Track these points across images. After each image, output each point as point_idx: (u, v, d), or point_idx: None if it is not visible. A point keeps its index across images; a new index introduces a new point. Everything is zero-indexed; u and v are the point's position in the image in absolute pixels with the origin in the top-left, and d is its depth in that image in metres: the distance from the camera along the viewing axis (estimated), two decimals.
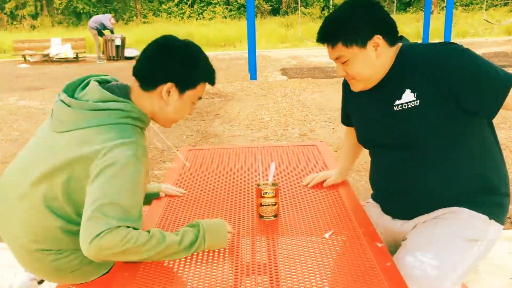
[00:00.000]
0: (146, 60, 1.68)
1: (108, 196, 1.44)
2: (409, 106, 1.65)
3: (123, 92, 1.69)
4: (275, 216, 1.82)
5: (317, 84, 9.70)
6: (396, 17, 17.58)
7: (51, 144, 1.61)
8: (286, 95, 8.75)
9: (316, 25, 21.59)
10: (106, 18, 15.19)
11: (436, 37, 16.59)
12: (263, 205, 1.80)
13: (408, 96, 1.66)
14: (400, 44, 1.75)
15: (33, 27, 27.42)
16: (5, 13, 29.26)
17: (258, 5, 27.59)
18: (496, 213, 1.73)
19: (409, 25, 20.46)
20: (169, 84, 1.66)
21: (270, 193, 1.79)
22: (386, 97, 1.73)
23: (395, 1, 16.17)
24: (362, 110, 1.88)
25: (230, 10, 29.32)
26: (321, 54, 15.19)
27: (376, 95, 1.77)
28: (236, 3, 29.57)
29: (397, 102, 1.68)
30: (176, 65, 1.65)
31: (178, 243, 1.54)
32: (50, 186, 1.58)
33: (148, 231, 1.51)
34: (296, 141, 5.90)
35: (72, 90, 1.68)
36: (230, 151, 2.77)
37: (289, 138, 6.06)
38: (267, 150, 2.74)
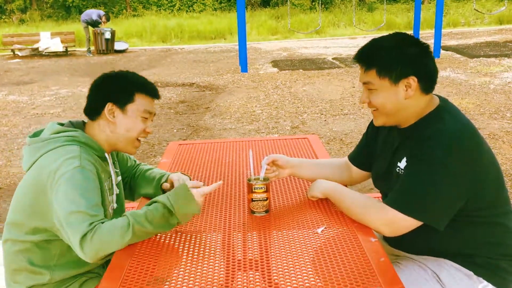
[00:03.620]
0: (88, 97, 1.84)
1: (67, 208, 1.57)
2: (400, 173, 1.67)
3: (76, 125, 1.84)
4: (267, 211, 1.80)
5: (308, 76, 9.69)
6: (387, 7, 17.58)
7: (22, 183, 1.76)
8: (277, 87, 8.73)
9: (306, 16, 21.58)
10: (96, 15, 15.04)
11: (427, 28, 16.60)
12: (254, 200, 1.78)
13: (403, 163, 1.67)
14: (437, 103, 1.70)
15: (22, 21, 27.13)
16: None
17: None
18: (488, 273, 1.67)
19: (399, 15, 20.46)
20: (108, 105, 1.77)
21: (261, 188, 1.77)
22: (395, 153, 1.74)
23: None
24: (380, 152, 1.87)
25: (220, 2, 29.17)
26: (311, 46, 15.19)
27: (390, 146, 1.77)
28: None
29: (398, 164, 1.70)
30: (108, 86, 1.81)
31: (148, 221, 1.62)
32: (17, 227, 1.75)
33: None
34: (288, 133, 5.91)
35: (35, 134, 1.81)
36: (221, 145, 2.75)
37: (281, 130, 6.06)
38: (258, 144, 2.72)
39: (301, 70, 10.51)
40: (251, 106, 7.44)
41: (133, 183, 2.11)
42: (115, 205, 1.87)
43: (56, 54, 15.65)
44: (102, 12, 15.39)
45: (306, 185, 2.08)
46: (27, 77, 11.24)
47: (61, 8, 29.05)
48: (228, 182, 2.15)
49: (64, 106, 8.04)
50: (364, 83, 1.71)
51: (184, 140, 5.96)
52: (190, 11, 28.19)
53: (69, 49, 15.89)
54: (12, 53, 15.73)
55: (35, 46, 15.65)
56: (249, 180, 1.80)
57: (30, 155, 1.73)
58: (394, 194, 1.62)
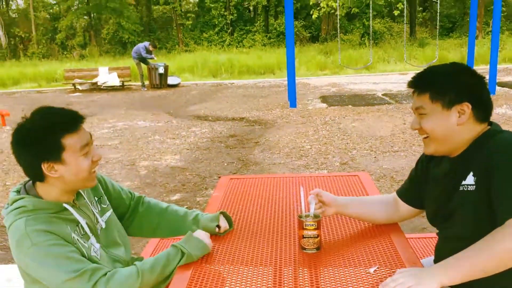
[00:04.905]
0: (18, 162, 1.68)
1: (57, 280, 1.55)
2: (468, 189, 1.61)
3: (29, 188, 1.71)
4: (318, 248, 1.79)
5: (358, 112, 9.63)
6: (439, 42, 17.37)
7: None
8: (326, 123, 8.72)
9: (355, 51, 21.54)
10: (143, 46, 15.56)
11: (481, 63, 16.25)
12: (305, 237, 1.77)
13: (470, 179, 1.62)
14: (488, 127, 1.69)
15: (82, 56, 28.42)
16: (56, 43, 30.51)
17: (297, 33, 27.78)
18: None
19: (452, 51, 20.16)
20: (43, 165, 1.63)
21: (312, 225, 1.76)
22: (453, 175, 1.69)
23: (437, 26, 16.01)
24: (432, 188, 1.83)
25: (270, 38, 29.62)
26: (361, 81, 15.10)
27: (446, 172, 1.74)
28: (275, 31, 29.87)
29: (463, 182, 1.64)
30: (30, 147, 1.62)
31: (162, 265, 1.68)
32: None
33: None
34: (337, 170, 5.86)
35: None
36: (271, 180, 2.74)
37: (330, 166, 6.02)
38: (308, 180, 2.71)
39: (350, 106, 10.45)
40: (300, 141, 7.44)
41: (141, 219, 2.05)
42: (97, 246, 1.75)
43: (113, 88, 16.27)
44: (147, 43, 15.87)
45: (357, 222, 2.06)
46: (87, 110, 11.73)
47: (118, 44, 30.29)
48: (279, 218, 2.14)
49: (121, 138, 8.33)
50: (416, 108, 1.69)
51: (234, 173, 5.98)
52: (240, 47, 28.74)
53: (125, 83, 16.49)
54: (73, 87, 16.47)
55: (94, 80, 16.35)
56: (300, 216, 1.79)
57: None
58: (504, 206, 1.45)
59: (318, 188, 1.99)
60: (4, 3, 34.16)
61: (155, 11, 34.02)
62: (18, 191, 1.71)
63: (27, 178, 1.74)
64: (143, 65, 15.82)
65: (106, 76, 16.41)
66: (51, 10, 34.55)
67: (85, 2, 31.48)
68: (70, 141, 1.64)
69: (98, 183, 1.93)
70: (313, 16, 22.38)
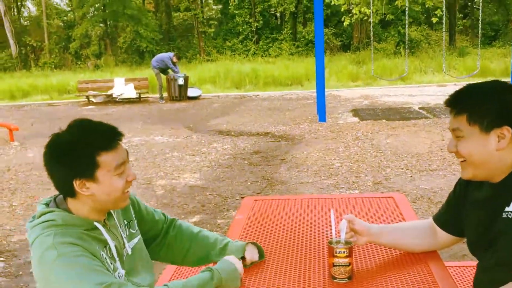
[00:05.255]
0: (50, 177, 1.70)
1: None
2: None
3: (59, 202, 1.74)
4: (349, 278, 1.78)
5: (392, 127, 9.59)
6: (481, 52, 17.20)
7: None
8: (358, 139, 8.70)
9: (390, 61, 21.44)
10: (168, 57, 15.82)
11: None
12: (336, 265, 1.76)
13: None
14: None
15: (96, 66, 28.90)
16: (69, 53, 31.08)
17: (327, 41, 27.82)
18: None
19: (495, 61, 19.93)
20: (75, 182, 1.65)
21: (344, 252, 1.75)
22: (495, 200, 1.68)
23: (479, 34, 15.87)
24: (471, 213, 1.82)
25: (297, 47, 29.71)
26: (395, 94, 15.03)
27: (487, 197, 1.73)
28: (303, 39, 29.97)
29: (507, 208, 1.64)
30: (63, 162, 1.65)
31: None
32: None
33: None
34: (370, 190, 5.84)
35: (34, 216, 1.77)
36: (299, 201, 2.74)
37: (362, 186, 6.00)
38: (338, 202, 2.70)
39: (384, 120, 10.42)
40: (329, 158, 7.44)
41: (171, 243, 2.06)
42: (122, 271, 1.76)
43: (129, 101, 16.49)
44: (171, 54, 16.12)
45: (392, 249, 2.04)
46: None
47: (135, 53, 30.71)
48: (307, 244, 2.14)
49: (137, 155, 8.42)
50: (453, 130, 1.68)
51: (258, 193, 6.00)
52: (265, 56, 28.87)
53: (142, 95, 16.70)
54: (86, 99, 16.76)
55: (109, 92, 16.61)
56: (330, 242, 1.79)
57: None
58: None
59: (351, 214, 1.97)
60: (15, 10, 35.02)
61: (175, 18, 34.45)
62: (47, 204, 1.73)
63: (40, 197, 1.79)
64: (162, 76, 16.02)
65: (122, 87, 16.65)
66: (65, 18, 35.27)
67: (101, 9, 32.08)
68: (105, 159, 1.66)
69: (130, 205, 1.95)
70: (344, 23, 22.38)
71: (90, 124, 1.70)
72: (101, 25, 33.02)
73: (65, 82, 20.27)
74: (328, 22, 29.01)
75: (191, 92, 16.42)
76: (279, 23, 33.48)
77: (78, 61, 30.77)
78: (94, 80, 18.27)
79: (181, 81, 15.77)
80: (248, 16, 30.93)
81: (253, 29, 30.67)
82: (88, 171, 1.65)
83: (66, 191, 1.70)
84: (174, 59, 15.79)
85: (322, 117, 10.63)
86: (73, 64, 30.11)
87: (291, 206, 2.67)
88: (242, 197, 5.67)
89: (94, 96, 16.72)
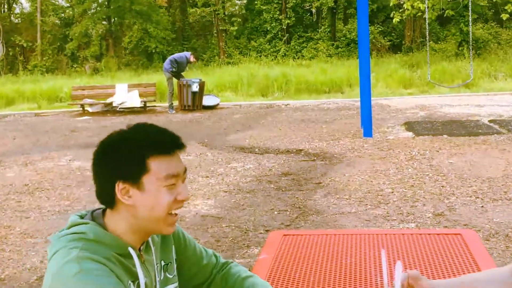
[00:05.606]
0: (93, 178, 1.78)
1: None
2: None
3: (95, 215, 1.79)
4: None
5: (456, 144, 9.51)
6: None
7: None
8: (413, 158, 8.63)
9: (451, 64, 21.36)
10: (184, 56, 15.90)
11: None
12: None
13: None
14: None
15: (96, 70, 29.39)
16: (64, 54, 31.69)
17: (374, 40, 27.83)
18: None
19: None
20: (118, 184, 1.69)
21: None
22: None
23: None
24: None
25: (337, 47, 29.80)
26: (459, 103, 14.96)
27: None
28: (344, 38, 30.08)
29: None
30: (110, 159, 1.73)
31: None
32: None
33: None
34: (429, 223, 5.73)
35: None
36: (339, 237, 2.75)
37: (419, 218, 5.90)
38: (389, 239, 2.68)
39: (445, 135, 10.35)
40: (377, 182, 7.36)
41: None
42: None
43: (132, 110, 16.64)
44: (188, 53, 16.32)
45: None
46: (97, 139, 11.70)
47: (142, 55, 31.18)
48: None
49: None
50: None
51: (287, 226, 5.91)
52: (298, 58, 29.04)
53: (148, 104, 16.83)
54: (81, 108, 16.95)
55: (108, 100, 16.77)
56: None
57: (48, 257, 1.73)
58: None
59: (416, 271, 1.85)
60: (6, 6, 35.84)
61: (191, 15, 34.99)
62: (81, 216, 1.79)
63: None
64: (175, 82, 16.11)
65: (125, 95, 16.82)
66: (62, 15, 36.09)
67: (105, 4, 32.73)
68: (156, 164, 1.70)
69: (173, 242, 1.95)
70: (394, 20, 22.36)
71: (150, 126, 1.79)
72: (104, 22, 33.79)
73: (57, 88, 20.71)
74: (374, 19, 29.09)
75: (207, 101, 16.51)
76: (314, 19, 33.71)
77: (74, 64, 31.40)
78: (91, 86, 18.51)
79: (195, 88, 15.88)
80: (277, 12, 31.28)
81: (284, 26, 30.94)
82: (135, 173, 1.69)
83: (107, 197, 1.73)
84: (192, 59, 15.96)
85: (367, 132, 10.59)
86: (68, 68, 30.76)
87: (330, 244, 2.68)
88: (268, 231, 5.62)
89: (91, 104, 16.91)
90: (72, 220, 1.75)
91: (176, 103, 16.36)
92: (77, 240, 1.66)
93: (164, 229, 1.76)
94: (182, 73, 16.12)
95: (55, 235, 1.72)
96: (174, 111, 15.96)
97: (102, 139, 1.75)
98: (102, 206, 1.81)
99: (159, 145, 1.72)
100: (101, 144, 1.75)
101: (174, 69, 15.79)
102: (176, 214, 1.76)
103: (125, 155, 1.70)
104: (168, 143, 1.74)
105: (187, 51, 16.49)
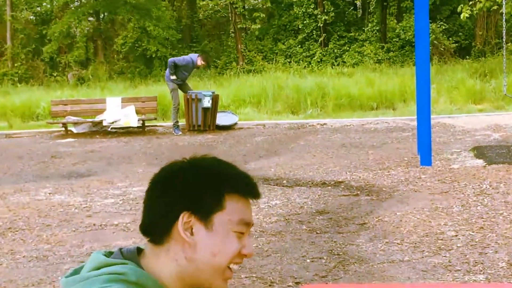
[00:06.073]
0: (147, 206, 1.82)
1: None
2: None
3: (128, 255, 1.80)
4: None
5: None
6: None
7: None
8: (484, 193, 8.59)
9: None
10: (190, 60, 15.99)
11: None
12: None
13: None
14: None
15: (81, 80, 29.44)
16: (42, 60, 31.69)
17: (435, 42, 27.69)
18: None
19: None
20: (183, 216, 1.73)
21: None
22: None
23: None
24: None
25: (388, 51, 29.74)
26: None
27: None
28: (397, 40, 29.97)
29: None
30: (181, 185, 1.77)
31: None
32: None
33: None
34: (503, 276, 5.69)
35: (73, 272, 1.83)
36: None
37: (490, 269, 5.87)
38: None
39: None
40: (437, 223, 7.34)
41: None
42: None
43: (127, 131, 16.69)
44: (195, 55, 16.35)
45: None
46: (83, 167, 12.05)
47: (139, 60, 31.19)
48: None
49: (135, 214, 8.43)
50: None
51: (323, 277, 5.91)
52: (338, 64, 28.97)
53: (147, 123, 16.87)
54: (63, 129, 17.03)
55: (97, 118, 16.85)
56: None
57: None
58: None
59: None
60: None
61: (201, 10, 34.99)
62: (107, 255, 1.80)
63: None
64: (181, 93, 16.22)
65: (118, 111, 16.81)
66: (38, 9, 36.05)
67: None
68: (232, 204, 1.76)
69: None
70: (462, 16, 22.06)
71: (232, 164, 1.86)
72: (91, 19, 33.72)
73: (32, 103, 20.76)
74: (436, 14, 28.95)
75: (222, 119, 16.60)
76: (359, 15, 33.64)
77: (53, 72, 31.38)
78: (75, 100, 18.61)
79: (207, 103, 15.88)
80: (312, 6, 31.15)
81: (320, 24, 30.86)
82: (207, 207, 1.74)
83: (159, 230, 1.77)
84: (199, 62, 15.99)
85: (425, 159, 10.55)
86: (46, 76, 30.73)
87: None
88: (298, 283, 5.61)
89: (75, 123, 17.00)
90: (100, 259, 1.76)
91: (183, 122, 16.43)
92: (115, 281, 1.67)
93: (217, 283, 1.79)
94: (187, 82, 16.21)
95: (77, 277, 1.75)
96: (180, 132, 16.03)
97: (165, 165, 1.82)
98: (131, 245, 1.85)
99: (241, 183, 1.79)
100: (165, 169, 1.82)
101: (174, 76, 15.84)
102: (232, 272, 1.79)
103: (200, 184, 1.75)
104: (249, 185, 1.81)
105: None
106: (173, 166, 1.82)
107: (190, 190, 1.75)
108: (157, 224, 1.78)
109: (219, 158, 1.85)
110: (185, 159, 1.84)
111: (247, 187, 1.80)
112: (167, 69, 16.43)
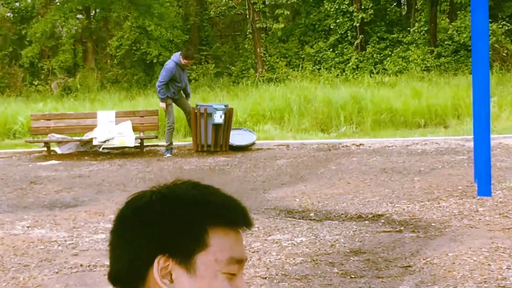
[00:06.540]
0: (113, 250, 1.81)
1: None
2: None
3: None
4: None
5: None
6: None
7: None
8: None
9: None
10: (171, 63, 16.11)
11: None
12: None
13: None
14: None
15: (67, 90, 29.59)
16: (20, 65, 31.87)
17: (496, 45, 27.61)
18: None
19: None
20: (159, 260, 1.68)
21: None
22: None
23: None
24: None
25: (439, 56, 29.68)
26: None
27: None
28: (450, 43, 29.87)
29: None
30: (154, 222, 1.72)
31: None
32: None
33: None
34: None
35: None
36: None
37: None
38: None
39: None
40: (498, 266, 7.32)
41: None
42: None
43: (122, 152, 16.77)
44: (177, 54, 16.44)
45: None
46: (68, 195, 12.11)
47: (137, 67, 31.30)
48: None
49: None
50: None
51: None
52: (378, 72, 28.93)
53: (146, 142, 16.96)
54: (46, 149, 17.12)
55: (86, 137, 16.92)
56: None
57: None
58: None
59: None
60: None
61: (212, 6, 35.10)
62: None
63: None
64: (175, 108, 16.33)
65: (111, 128, 16.90)
66: (17, 4, 36.21)
67: None
68: (219, 239, 1.71)
69: None
70: None
71: (213, 188, 1.80)
72: (80, 16, 33.84)
73: (8, 117, 20.91)
74: (497, 12, 28.95)
75: (236, 138, 16.69)
76: (404, 13, 33.64)
77: (34, 80, 31.54)
78: (60, 114, 18.73)
79: (219, 118, 15.95)
80: (346, 2, 31.11)
81: (356, 24, 30.85)
82: (187, 248, 1.68)
83: (131, 279, 1.73)
84: (183, 62, 16.04)
85: (484, 188, 10.54)
86: (26, 86, 30.88)
87: None
88: None
89: (60, 142, 17.11)
90: None
91: (186, 141, 16.50)
92: None
93: None
94: (182, 93, 16.39)
95: None
96: (170, 154, 16.17)
97: (133, 195, 1.76)
98: None
99: (226, 212, 1.74)
100: (132, 201, 1.77)
101: (162, 88, 16.00)
102: None
103: (175, 220, 1.71)
104: (239, 213, 1.76)
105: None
106: (140, 198, 1.77)
107: (163, 229, 1.71)
108: (127, 272, 1.75)
109: (197, 181, 1.79)
110: (155, 188, 1.79)
111: (234, 216, 1.75)
112: (158, 81, 16.51)
